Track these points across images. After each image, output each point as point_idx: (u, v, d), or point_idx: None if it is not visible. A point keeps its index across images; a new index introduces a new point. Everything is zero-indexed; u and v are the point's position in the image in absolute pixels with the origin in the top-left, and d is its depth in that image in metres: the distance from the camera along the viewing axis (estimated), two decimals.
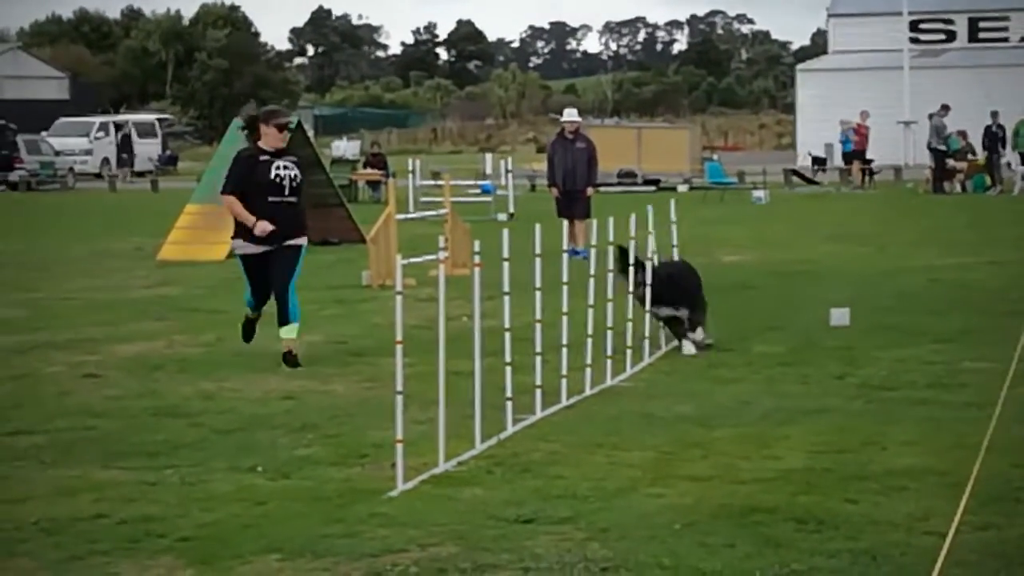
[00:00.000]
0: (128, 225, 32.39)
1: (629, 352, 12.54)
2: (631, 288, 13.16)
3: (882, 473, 8.50)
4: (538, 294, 10.28)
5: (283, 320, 12.83)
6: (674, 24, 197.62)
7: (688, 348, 13.31)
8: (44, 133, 61.44)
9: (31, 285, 20.38)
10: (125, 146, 65.28)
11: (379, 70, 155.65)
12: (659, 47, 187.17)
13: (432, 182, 37.42)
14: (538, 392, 10.38)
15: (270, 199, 12.71)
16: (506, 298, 9.82)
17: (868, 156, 45.99)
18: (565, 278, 10.84)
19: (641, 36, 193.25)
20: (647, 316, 13.19)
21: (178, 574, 6.90)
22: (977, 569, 6.70)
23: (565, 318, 10.88)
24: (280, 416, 10.67)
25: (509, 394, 9.77)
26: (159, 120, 72.94)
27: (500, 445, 9.40)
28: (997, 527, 7.33)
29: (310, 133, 31.35)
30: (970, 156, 42.88)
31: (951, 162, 42.20)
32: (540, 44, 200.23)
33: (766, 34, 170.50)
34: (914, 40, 59.91)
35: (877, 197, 40.38)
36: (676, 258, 14.49)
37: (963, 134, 43.07)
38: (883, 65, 59.32)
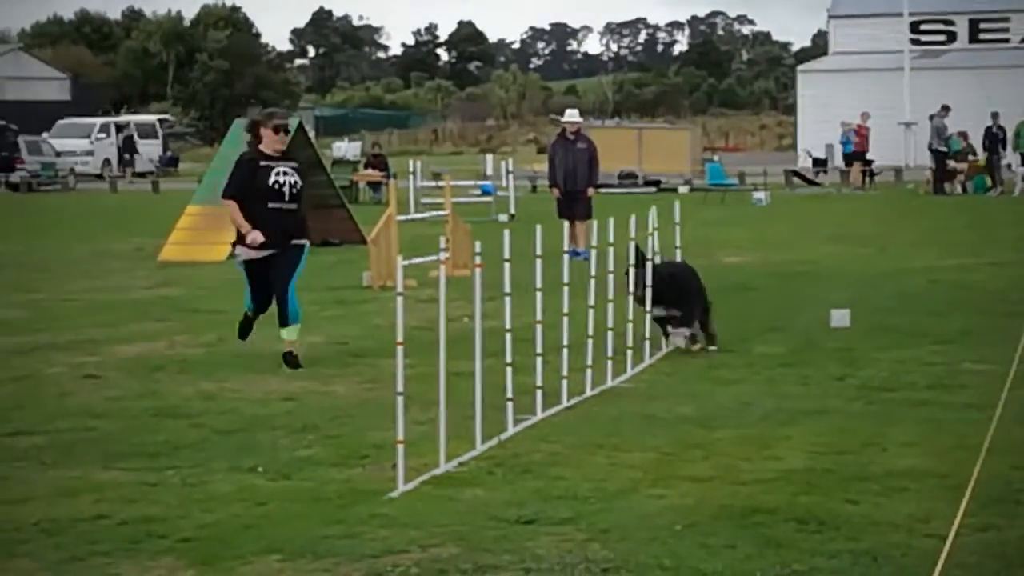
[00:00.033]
0: (129, 226, 32.39)
1: (630, 353, 12.54)
2: (631, 288, 13.16)
3: (883, 474, 8.50)
4: (539, 295, 10.28)
5: (284, 321, 12.83)
6: (675, 25, 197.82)
7: (676, 340, 13.31)
8: (45, 134, 61.45)
9: (32, 286, 20.38)
10: (128, 147, 65.29)
11: (380, 71, 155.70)
12: (660, 48, 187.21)
13: (433, 183, 37.40)
14: (539, 393, 10.38)
15: (270, 205, 12.69)
16: (507, 299, 9.82)
17: (869, 157, 46.00)
18: (566, 279, 10.83)
19: (642, 37, 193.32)
20: (647, 317, 13.19)
21: (179, 575, 6.90)
22: (977, 570, 6.70)
23: (566, 319, 10.88)
24: (281, 417, 10.67)
25: (510, 395, 9.77)
26: (160, 121, 72.95)
27: (501, 446, 9.40)
28: (997, 528, 7.33)
29: (311, 134, 31.34)
30: (971, 157, 42.88)
31: (952, 163, 42.20)
32: (541, 45, 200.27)
33: (767, 35, 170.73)
34: (915, 41, 59.90)
35: (878, 198, 40.38)
36: (679, 259, 14.49)
37: (964, 135, 43.08)
38: (884, 66, 59.32)
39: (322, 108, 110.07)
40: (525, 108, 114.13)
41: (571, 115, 24.63)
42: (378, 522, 7.63)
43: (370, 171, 44.02)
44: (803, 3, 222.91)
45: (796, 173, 48.77)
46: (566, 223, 22.86)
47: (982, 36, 63.00)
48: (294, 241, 12.84)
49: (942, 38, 63.05)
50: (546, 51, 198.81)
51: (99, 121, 67.62)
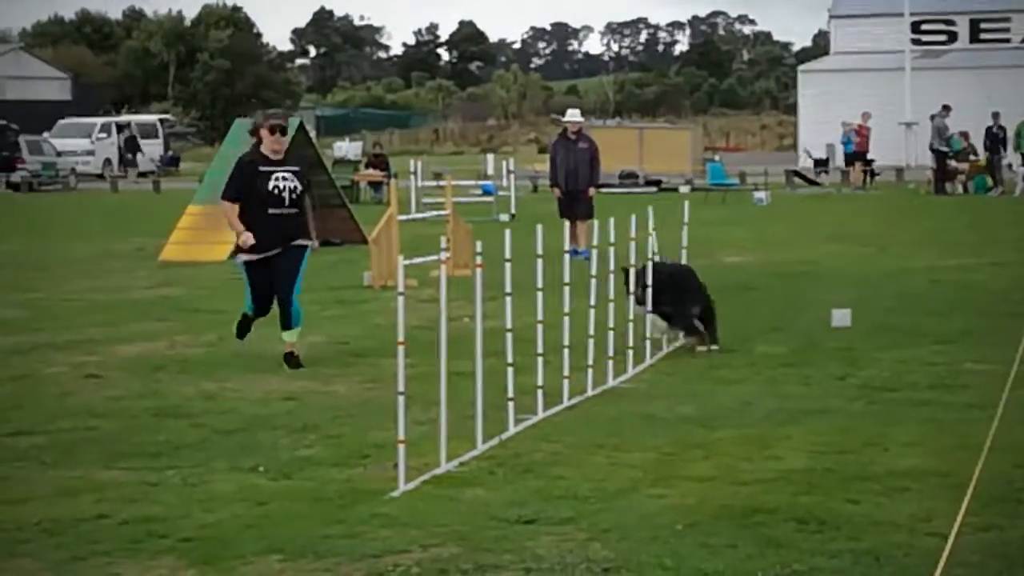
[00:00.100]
0: (130, 226, 32.39)
1: (631, 353, 12.54)
2: (631, 288, 13.15)
3: (884, 474, 8.50)
4: (540, 295, 10.28)
5: (286, 325, 12.85)
6: (676, 25, 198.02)
7: (650, 327, 13.11)
8: (46, 134, 61.46)
9: (32, 285, 20.38)
10: (131, 146, 65.33)
11: (381, 71, 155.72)
12: (661, 48, 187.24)
13: (434, 183, 37.39)
14: (539, 393, 10.38)
15: (270, 211, 12.68)
16: (508, 299, 9.82)
17: (869, 157, 46.00)
18: (567, 279, 10.83)
19: (643, 37, 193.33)
20: (647, 317, 13.18)
21: (180, 574, 6.90)
22: (979, 570, 6.69)
23: (567, 319, 10.88)
24: (282, 417, 10.67)
25: (511, 395, 9.77)
26: (161, 121, 72.98)
27: (502, 446, 9.40)
28: (999, 528, 7.33)
29: (312, 134, 31.34)
30: (972, 157, 42.88)
31: (952, 163, 42.20)
32: (542, 45, 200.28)
33: (768, 35, 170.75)
34: (915, 41, 59.87)
35: (878, 198, 40.38)
36: (683, 260, 14.49)
37: (965, 135, 43.08)
38: (884, 66, 59.32)
39: (323, 108, 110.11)
40: (526, 108, 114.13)
41: (572, 115, 24.61)
42: (379, 522, 7.63)
43: (371, 171, 44.02)
44: (804, 3, 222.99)
45: (797, 173, 48.77)
46: (567, 223, 22.86)
47: (983, 36, 63.00)
48: (297, 242, 12.83)
49: (943, 38, 63.04)
50: (547, 51, 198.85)
51: (100, 121, 67.65)
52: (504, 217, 32.62)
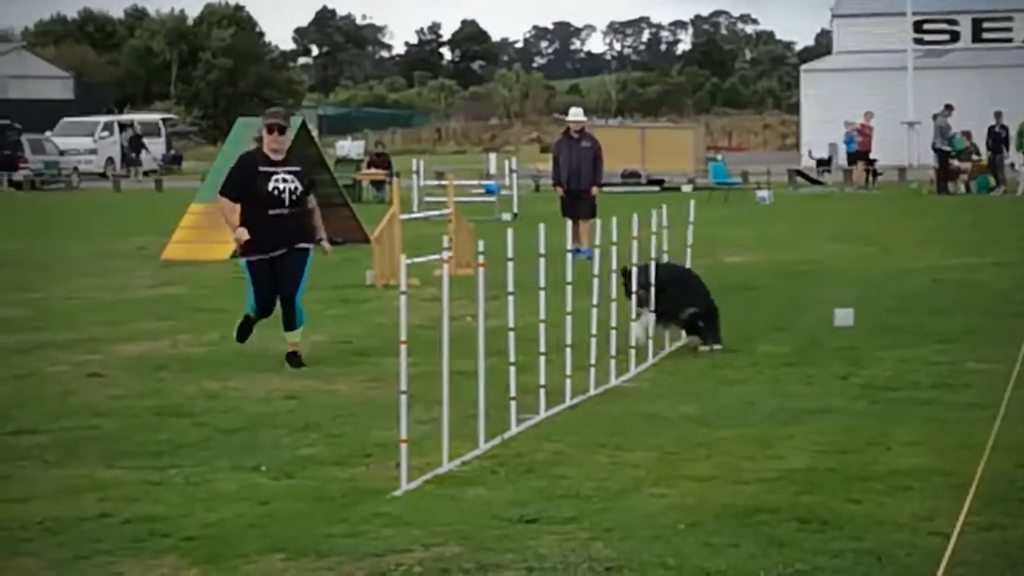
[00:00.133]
0: (132, 225, 32.40)
1: (633, 352, 12.54)
2: (633, 288, 13.14)
3: (886, 473, 8.50)
4: (542, 294, 10.28)
5: (289, 326, 12.86)
6: (678, 24, 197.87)
7: (632, 335, 12.79)
8: (48, 133, 61.49)
9: (35, 285, 20.39)
10: (136, 146, 65.37)
11: (383, 70, 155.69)
12: (663, 47, 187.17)
13: (436, 182, 37.41)
14: (542, 392, 10.38)
15: (271, 212, 12.66)
16: (510, 298, 9.82)
17: (872, 156, 45.98)
18: (569, 278, 10.83)
19: (645, 36, 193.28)
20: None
21: (182, 573, 6.90)
22: (982, 569, 6.69)
23: (569, 318, 10.88)
24: (284, 416, 10.67)
25: (513, 394, 9.77)
26: (163, 120, 73.00)
27: (504, 445, 9.40)
28: (1002, 527, 7.33)
29: (314, 133, 31.34)
30: (974, 157, 42.87)
31: (955, 162, 42.19)
32: (544, 44, 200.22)
33: (770, 34, 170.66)
34: (918, 41, 59.83)
35: (881, 197, 40.37)
36: (687, 260, 14.48)
37: (967, 134, 43.07)
38: (887, 65, 59.28)
39: (325, 107, 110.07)
40: (528, 107, 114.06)
41: (575, 114, 24.62)
42: (381, 521, 7.63)
43: (373, 170, 44.01)
44: (807, 2, 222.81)
45: (799, 172, 48.75)
46: (569, 222, 22.85)
47: (985, 36, 62.97)
48: (300, 244, 12.81)
49: (945, 37, 63.01)
50: (549, 50, 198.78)
51: (102, 120, 67.64)
52: (506, 216, 32.62)
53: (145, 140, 66.45)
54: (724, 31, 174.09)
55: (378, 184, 42.64)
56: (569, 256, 11.21)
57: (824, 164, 50.89)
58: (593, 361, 11.44)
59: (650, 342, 13.05)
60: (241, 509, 7.97)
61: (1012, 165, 42.47)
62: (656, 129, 53.61)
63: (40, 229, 32.35)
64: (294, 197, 12.75)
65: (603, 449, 9.31)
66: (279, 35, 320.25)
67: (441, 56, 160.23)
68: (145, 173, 61.66)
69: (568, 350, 10.87)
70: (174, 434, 10.03)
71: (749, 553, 6.96)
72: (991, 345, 13.21)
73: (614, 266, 12.25)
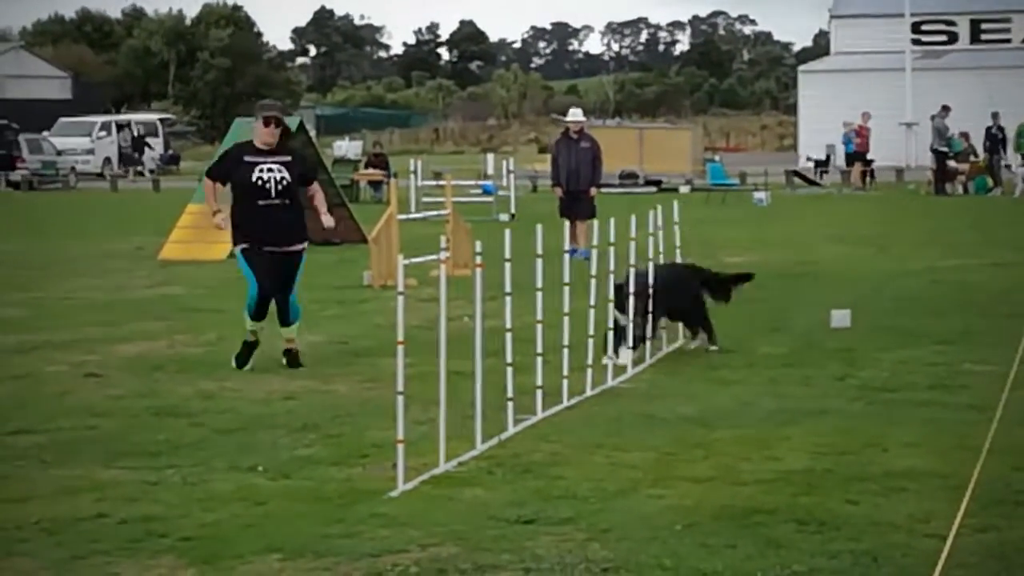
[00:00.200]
0: (130, 225, 32.40)
1: (630, 352, 12.53)
2: (631, 289, 13.11)
3: (883, 475, 8.50)
4: (539, 294, 10.28)
5: (284, 321, 12.85)
6: (676, 25, 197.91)
7: (619, 358, 12.38)
8: (46, 132, 61.51)
9: (32, 285, 20.38)
10: (137, 145, 65.39)
11: (381, 70, 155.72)
12: (661, 48, 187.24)
13: (434, 182, 37.41)
14: (539, 393, 10.38)
15: (259, 203, 12.59)
16: (507, 298, 9.82)
17: (869, 157, 46.00)
18: (566, 279, 10.83)
19: (643, 37, 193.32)
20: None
21: (179, 574, 6.90)
22: (978, 571, 6.70)
23: (566, 318, 10.88)
24: (281, 416, 10.67)
25: (510, 395, 9.77)
26: (161, 120, 73.00)
27: (501, 446, 9.40)
28: (998, 529, 7.33)
29: (312, 133, 31.34)
30: (972, 158, 42.90)
31: (952, 163, 42.21)
32: (542, 44, 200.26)
33: (768, 35, 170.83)
34: (916, 42, 59.86)
35: (878, 198, 40.39)
36: (679, 261, 14.46)
37: (965, 136, 43.10)
38: (885, 66, 59.31)
39: (323, 107, 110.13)
40: (526, 108, 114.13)
41: (574, 114, 24.61)
42: (378, 521, 7.63)
43: (371, 170, 44.03)
44: (805, 3, 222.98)
45: (797, 173, 48.78)
46: (567, 222, 22.85)
47: (983, 37, 63.01)
48: (294, 247, 12.75)
49: (943, 38, 63.04)
50: (547, 50, 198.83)
51: (100, 120, 67.67)
52: (504, 217, 32.62)
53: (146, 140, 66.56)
54: (722, 32, 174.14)
55: (376, 184, 42.64)
56: (566, 257, 11.20)
57: (822, 165, 50.91)
58: (590, 362, 11.44)
59: (648, 343, 13.04)
60: (238, 509, 7.97)
61: (1008, 166, 42.49)
62: (654, 130, 53.65)
63: (37, 229, 32.34)
64: (280, 187, 12.62)
65: (600, 450, 9.31)
66: (277, 35, 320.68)
67: (439, 56, 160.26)
68: (139, 173, 61.64)
69: (565, 351, 10.87)
70: (171, 434, 10.03)
71: (746, 554, 6.96)
72: (988, 346, 13.21)
73: (612, 267, 12.24)
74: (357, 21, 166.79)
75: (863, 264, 21.59)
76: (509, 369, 9.76)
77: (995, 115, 42.81)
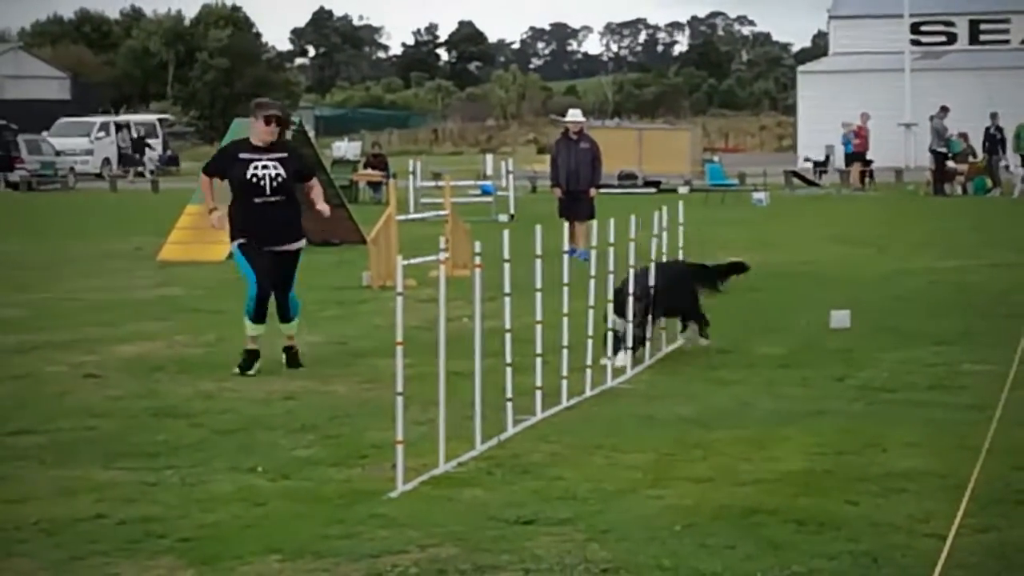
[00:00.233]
0: (129, 225, 32.39)
1: (630, 353, 12.53)
2: (631, 289, 13.11)
3: (882, 475, 8.50)
4: (538, 295, 10.28)
5: (284, 318, 12.86)
6: (675, 26, 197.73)
7: (617, 361, 12.34)
8: (45, 133, 61.53)
9: (32, 285, 20.38)
10: (138, 146, 65.37)
11: (380, 71, 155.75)
12: (660, 48, 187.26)
13: (433, 183, 37.41)
14: (538, 393, 10.37)
15: (255, 200, 12.55)
16: (506, 299, 9.82)
17: (868, 158, 46.01)
18: (566, 279, 10.83)
19: (642, 37, 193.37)
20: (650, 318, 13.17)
21: (178, 574, 6.90)
22: (978, 571, 6.70)
23: (565, 319, 10.88)
24: (280, 417, 10.67)
25: (509, 395, 9.77)
26: (160, 120, 72.99)
27: (500, 446, 9.40)
28: (998, 529, 7.33)
29: (311, 134, 31.34)
30: (971, 158, 42.91)
31: (951, 164, 42.22)
32: (541, 45, 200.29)
33: (767, 36, 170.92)
34: (915, 42, 59.86)
35: (878, 199, 40.39)
36: (679, 259, 14.46)
37: (964, 136, 43.10)
38: (884, 67, 59.30)
39: (322, 108, 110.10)
40: (525, 108, 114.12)
41: (574, 115, 24.61)
42: (377, 522, 7.63)
43: (370, 171, 44.02)
44: (803, 4, 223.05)
45: (796, 174, 48.77)
46: (566, 223, 22.84)
47: (982, 37, 62.97)
48: (289, 247, 12.74)
49: (942, 39, 63.01)
50: (546, 51, 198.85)
51: (99, 120, 67.67)
52: (503, 217, 32.63)
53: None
54: (721, 32, 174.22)
55: (375, 185, 42.64)
56: (565, 257, 11.20)
57: (821, 166, 50.92)
58: (589, 362, 11.44)
59: (648, 344, 13.04)
60: (237, 510, 7.97)
61: (1007, 167, 42.49)
62: (653, 130, 53.65)
63: (37, 230, 32.33)
64: (275, 184, 12.56)
65: (599, 450, 9.31)
66: (276, 36, 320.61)
67: (438, 57, 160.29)
68: (139, 174, 61.64)
69: (565, 351, 10.87)
70: (171, 435, 10.02)
71: (746, 554, 6.96)
72: (987, 347, 13.22)
73: (611, 267, 12.24)
74: (356, 22, 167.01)
75: (862, 265, 21.59)
76: (508, 370, 9.76)
77: (994, 116, 42.81)
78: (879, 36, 61.76)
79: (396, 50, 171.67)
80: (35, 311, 17.44)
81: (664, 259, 13.74)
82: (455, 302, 11.38)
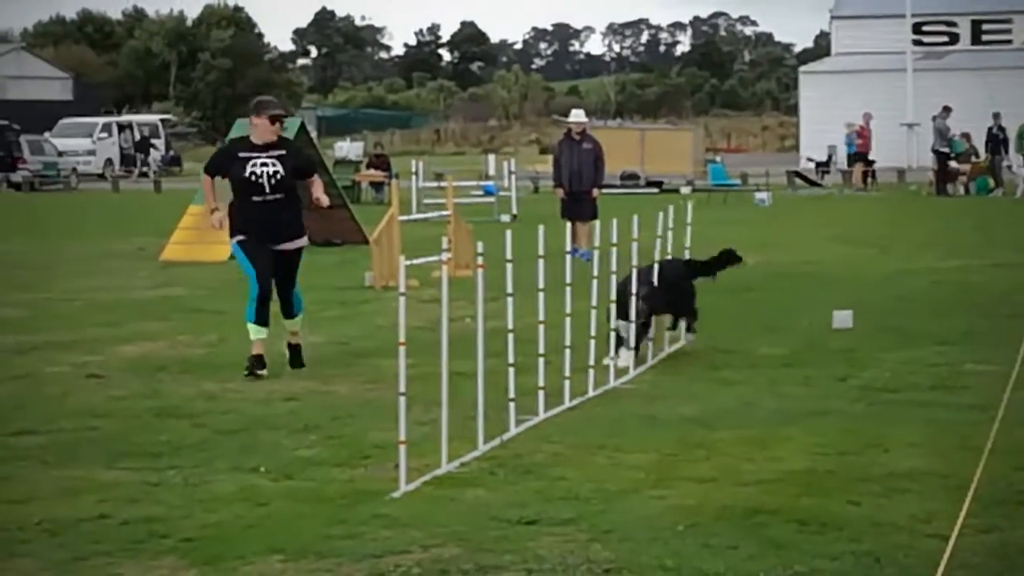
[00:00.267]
0: (131, 226, 32.41)
1: (632, 353, 12.53)
2: (634, 291, 13.10)
3: (885, 475, 8.50)
4: (541, 295, 10.28)
5: (288, 314, 12.86)
6: (677, 26, 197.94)
7: (620, 360, 12.34)
8: (47, 133, 61.56)
9: (34, 285, 20.38)
10: (142, 147, 65.39)
11: (382, 71, 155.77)
12: (662, 49, 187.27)
13: (435, 183, 37.41)
14: (541, 393, 10.37)
15: (254, 198, 12.51)
16: (509, 299, 9.83)
17: (871, 158, 46.01)
18: (568, 279, 10.83)
19: (644, 38, 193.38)
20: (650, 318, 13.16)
21: (181, 575, 6.90)
22: (980, 571, 6.70)
23: (568, 319, 10.88)
24: (283, 417, 10.67)
25: (512, 395, 9.77)
26: (162, 121, 73.02)
27: (503, 446, 9.40)
28: (1000, 530, 7.33)
29: (313, 134, 31.35)
30: (973, 158, 42.91)
31: (953, 164, 42.23)
32: (543, 45, 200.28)
33: (769, 36, 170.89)
34: (917, 42, 59.87)
35: (880, 199, 40.39)
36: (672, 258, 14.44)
37: (967, 136, 43.10)
38: (886, 67, 59.31)
39: (324, 108, 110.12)
40: (527, 109, 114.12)
41: (576, 115, 24.62)
42: (380, 522, 7.63)
43: (372, 171, 44.03)
44: (806, 4, 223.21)
45: (798, 174, 48.78)
46: (569, 223, 22.81)
47: (985, 37, 63.00)
48: (290, 245, 12.72)
49: (945, 39, 63.03)
50: (548, 51, 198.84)
51: (101, 121, 67.71)
52: (505, 218, 32.63)
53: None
54: (723, 32, 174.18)
55: (377, 185, 42.66)
56: (568, 257, 11.20)
57: (823, 166, 50.91)
58: (592, 362, 11.44)
59: (650, 344, 13.05)
60: (240, 510, 7.97)
61: (1010, 167, 42.49)
62: (655, 131, 53.64)
63: (39, 230, 32.34)
64: (273, 182, 12.49)
65: (602, 450, 9.31)
66: (278, 36, 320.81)
67: (440, 57, 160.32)
68: (142, 174, 61.67)
69: (567, 351, 10.87)
70: (173, 435, 10.03)
71: (748, 554, 6.96)
72: (990, 347, 13.21)
73: (614, 268, 12.24)
74: (358, 22, 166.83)
75: (865, 265, 21.59)
76: (511, 370, 9.76)
77: (996, 116, 42.81)
78: (881, 36, 61.78)
79: (398, 50, 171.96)
80: (37, 311, 17.45)
81: (666, 258, 13.72)
82: (457, 302, 11.39)
